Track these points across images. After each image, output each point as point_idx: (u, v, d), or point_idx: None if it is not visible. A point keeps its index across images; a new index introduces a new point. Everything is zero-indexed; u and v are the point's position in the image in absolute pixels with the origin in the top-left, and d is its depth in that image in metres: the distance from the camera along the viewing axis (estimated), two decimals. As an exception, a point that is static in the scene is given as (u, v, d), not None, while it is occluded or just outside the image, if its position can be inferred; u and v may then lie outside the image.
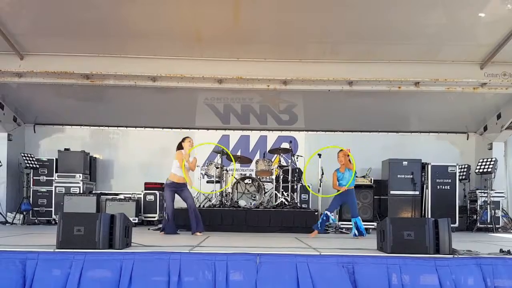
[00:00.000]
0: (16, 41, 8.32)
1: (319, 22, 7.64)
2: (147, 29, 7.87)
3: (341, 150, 7.43)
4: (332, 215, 7.52)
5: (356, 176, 7.76)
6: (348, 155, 7.31)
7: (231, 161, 10.03)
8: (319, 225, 7.35)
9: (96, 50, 8.61)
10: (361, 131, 10.92)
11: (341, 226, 8.63)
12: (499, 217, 9.47)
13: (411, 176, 9.34)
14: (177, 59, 8.75)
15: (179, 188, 7.48)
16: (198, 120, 10.76)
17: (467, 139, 10.99)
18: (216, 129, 10.99)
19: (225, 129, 11.01)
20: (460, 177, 9.78)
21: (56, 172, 9.89)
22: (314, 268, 4.37)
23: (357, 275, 4.37)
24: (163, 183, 8.49)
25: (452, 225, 5.49)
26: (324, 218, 7.34)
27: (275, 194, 9.07)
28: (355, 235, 7.21)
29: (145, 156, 10.84)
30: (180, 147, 7.56)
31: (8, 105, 10.03)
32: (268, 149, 10.41)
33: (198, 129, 10.97)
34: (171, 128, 10.78)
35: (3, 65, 8.67)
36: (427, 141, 10.92)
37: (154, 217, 9.61)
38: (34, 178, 9.93)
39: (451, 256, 4.59)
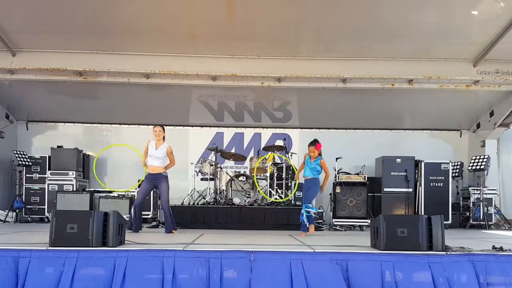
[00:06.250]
0: (8, 37, 8.25)
1: (313, 20, 7.64)
2: (140, 26, 7.83)
3: (318, 143, 7.05)
4: (311, 206, 7.04)
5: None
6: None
7: (225, 158, 10.03)
8: (304, 224, 6.99)
9: (89, 47, 8.55)
10: (354, 129, 10.95)
11: (335, 223, 8.66)
12: (491, 214, 9.56)
13: (405, 174, 9.38)
14: (171, 56, 8.72)
15: (155, 179, 7.11)
16: (192, 118, 10.75)
17: (460, 137, 11.08)
18: (210, 126, 10.98)
19: (219, 127, 11.01)
20: (453, 174, 9.85)
21: (49, 169, 9.85)
22: (308, 265, 4.37)
23: (350, 272, 4.38)
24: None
25: (445, 222, 5.51)
26: (302, 216, 6.98)
27: (269, 191, 9.08)
28: (303, 221, 6.91)
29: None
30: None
31: (0, 102, 9.98)
32: (262, 146, 10.41)
33: (192, 126, 10.98)
34: (165, 125, 10.63)
35: (-5, 62, 8.59)
36: (421, 138, 10.98)
37: (148, 215, 9.56)
38: (26, 175, 9.88)
39: (444, 253, 4.60)
